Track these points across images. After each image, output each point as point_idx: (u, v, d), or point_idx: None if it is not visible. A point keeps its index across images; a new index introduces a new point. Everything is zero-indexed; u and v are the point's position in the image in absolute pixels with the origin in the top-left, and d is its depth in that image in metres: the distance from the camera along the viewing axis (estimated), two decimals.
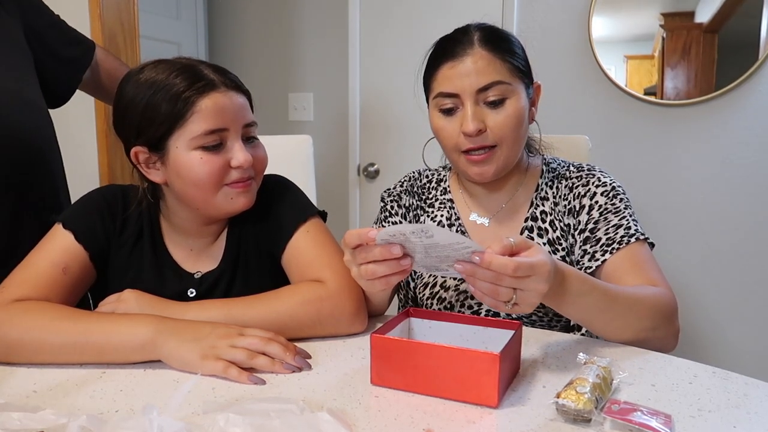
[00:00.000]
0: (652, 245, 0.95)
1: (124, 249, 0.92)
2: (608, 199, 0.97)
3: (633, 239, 0.91)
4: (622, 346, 0.81)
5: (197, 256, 0.94)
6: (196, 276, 0.92)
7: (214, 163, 0.83)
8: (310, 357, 0.77)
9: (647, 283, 0.87)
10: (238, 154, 0.84)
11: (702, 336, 1.94)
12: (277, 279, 0.93)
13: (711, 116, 1.85)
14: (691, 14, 1.83)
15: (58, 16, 1.19)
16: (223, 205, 0.87)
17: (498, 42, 0.94)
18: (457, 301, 1.00)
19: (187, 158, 0.83)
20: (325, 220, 0.97)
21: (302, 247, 0.91)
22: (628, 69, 1.95)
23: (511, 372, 0.70)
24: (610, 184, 0.99)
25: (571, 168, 1.03)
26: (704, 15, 1.82)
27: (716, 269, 1.90)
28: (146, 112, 0.82)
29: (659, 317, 0.82)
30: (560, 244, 0.98)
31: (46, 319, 0.76)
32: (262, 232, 0.94)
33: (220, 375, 0.71)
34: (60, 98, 1.20)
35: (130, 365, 0.75)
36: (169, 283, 0.91)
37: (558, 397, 0.61)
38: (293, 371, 0.73)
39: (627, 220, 0.94)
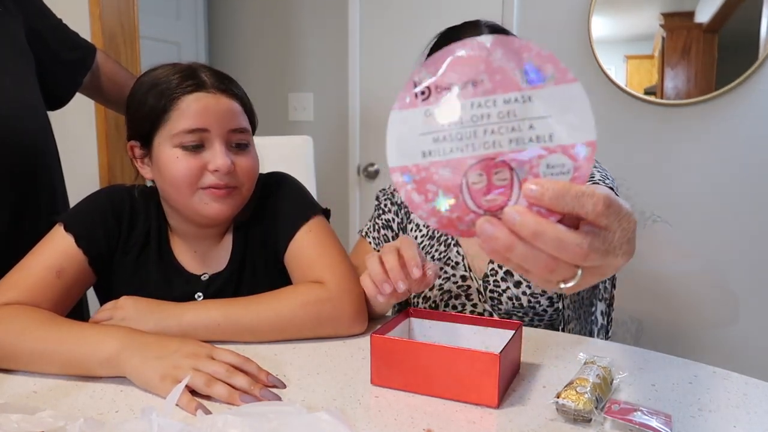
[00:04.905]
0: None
1: (132, 253, 0.91)
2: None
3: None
4: (623, 346, 0.81)
5: (202, 259, 0.93)
6: (203, 278, 0.92)
7: (190, 163, 0.82)
8: (283, 386, 0.69)
9: None
10: (217, 157, 0.82)
11: (702, 336, 1.93)
12: (285, 278, 0.92)
13: (711, 116, 1.85)
14: (691, 14, 1.83)
15: (60, 19, 1.19)
16: (199, 208, 0.84)
17: None
18: (441, 300, 1.00)
19: (165, 155, 0.83)
20: (328, 218, 0.97)
21: (304, 247, 0.90)
22: (628, 69, 1.94)
23: (511, 372, 0.70)
24: None
25: None
26: (704, 15, 1.81)
27: (716, 269, 1.90)
28: (139, 106, 0.85)
29: None
30: None
31: (23, 325, 0.74)
32: (267, 231, 0.93)
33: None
34: (59, 101, 1.20)
35: None
36: (177, 286, 0.91)
37: (558, 397, 0.61)
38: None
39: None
